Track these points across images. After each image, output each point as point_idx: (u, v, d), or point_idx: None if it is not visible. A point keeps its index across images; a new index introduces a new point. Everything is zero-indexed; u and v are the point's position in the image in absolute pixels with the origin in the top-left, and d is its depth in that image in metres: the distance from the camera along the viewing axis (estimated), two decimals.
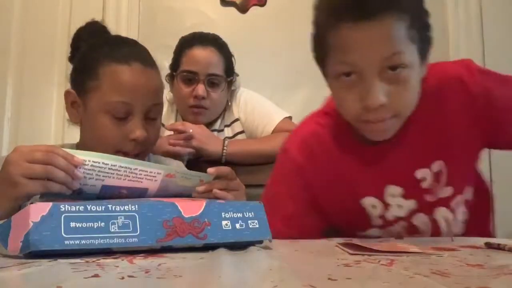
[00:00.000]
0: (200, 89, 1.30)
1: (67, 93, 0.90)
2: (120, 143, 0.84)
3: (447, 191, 0.82)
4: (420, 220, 0.83)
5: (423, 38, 0.72)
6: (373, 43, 0.68)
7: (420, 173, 0.81)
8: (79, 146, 0.90)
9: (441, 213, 0.83)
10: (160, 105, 0.90)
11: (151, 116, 0.88)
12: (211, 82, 1.32)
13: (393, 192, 0.82)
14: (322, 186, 0.84)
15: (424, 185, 0.81)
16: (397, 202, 0.82)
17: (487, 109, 0.78)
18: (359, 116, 0.73)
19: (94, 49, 0.89)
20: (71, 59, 0.95)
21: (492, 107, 0.78)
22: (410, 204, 0.82)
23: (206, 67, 1.31)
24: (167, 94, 1.40)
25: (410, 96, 0.73)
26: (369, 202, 0.83)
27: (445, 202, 0.82)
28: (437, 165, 0.80)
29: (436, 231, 0.84)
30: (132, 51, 0.89)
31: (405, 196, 0.82)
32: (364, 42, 0.68)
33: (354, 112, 0.73)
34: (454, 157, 0.80)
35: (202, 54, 1.32)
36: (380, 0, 0.68)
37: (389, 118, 0.72)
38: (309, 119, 0.91)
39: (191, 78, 1.32)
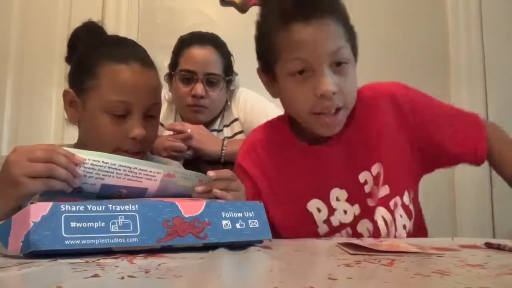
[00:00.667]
0: (199, 88, 1.30)
1: (65, 93, 0.90)
2: (120, 142, 0.85)
3: (384, 190, 0.85)
4: (365, 226, 0.86)
5: (353, 41, 0.83)
6: (322, 38, 0.78)
7: (362, 176, 0.86)
8: (78, 145, 0.90)
9: (380, 212, 0.85)
10: (158, 104, 0.90)
11: (150, 115, 0.88)
12: (210, 81, 1.32)
13: (338, 195, 0.86)
14: (272, 197, 0.88)
15: (367, 189, 0.85)
16: (342, 207, 0.86)
17: (413, 114, 0.88)
18: (313, 108, 0.79)
19: (93, 48, 0.90)
20: (68, 59, 0.95)
21: (416, 112, 0.88)
22: (355, 209, 0.86)
23: (204, 67, 1.31)
24: (166, 94, 1.40)
25: (353, 88, 0.83)
26: (315, 205, 0.87)
27: (383, 202, 0.85)
28: (376, 167, 0.86)
29: (377, 236, 0.85)
30: (131, 51, 0.89)
31: (350, 201, 0.86)
32: (314, 38, 0.77)
33: (309, 103, 0.79)
34: (388, 158, 0.86)
35: (200, 54, 1.32)
36: (325, 4, 0.79)
37: (340, 108, 0.80)
38: (256, 130, 0.99)
39: (189, 78, 1.32)
